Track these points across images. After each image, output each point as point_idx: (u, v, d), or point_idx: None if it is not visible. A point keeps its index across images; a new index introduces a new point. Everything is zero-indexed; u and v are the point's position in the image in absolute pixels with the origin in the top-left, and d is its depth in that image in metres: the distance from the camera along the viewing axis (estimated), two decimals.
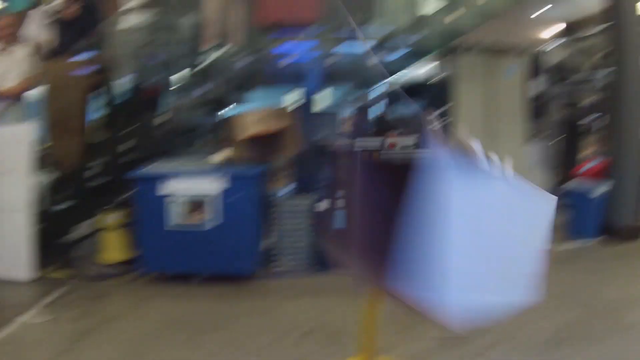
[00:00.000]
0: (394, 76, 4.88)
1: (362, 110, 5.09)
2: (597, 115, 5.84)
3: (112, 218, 3.91)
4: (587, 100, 6.76)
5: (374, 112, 5.41)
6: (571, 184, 5.00)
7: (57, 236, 3.96)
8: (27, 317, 3.02)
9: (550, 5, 6.10)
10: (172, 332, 2.85)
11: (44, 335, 2.86)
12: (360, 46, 4.10)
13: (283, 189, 4.28)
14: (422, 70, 7.73)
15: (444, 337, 2.34)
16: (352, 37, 4.10)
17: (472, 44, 6.41)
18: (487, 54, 5.72)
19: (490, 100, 5.54)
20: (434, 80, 6.03)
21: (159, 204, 3.47)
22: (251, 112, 3.61)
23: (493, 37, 6.58)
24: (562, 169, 6.86)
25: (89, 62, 4.27)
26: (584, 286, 3.30)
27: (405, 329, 2.56)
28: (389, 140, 3.75)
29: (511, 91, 5.63)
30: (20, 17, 4.19)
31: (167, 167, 3.56)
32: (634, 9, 4.55)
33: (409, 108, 4.44)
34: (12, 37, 4.16)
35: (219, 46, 3.65)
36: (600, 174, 5.09)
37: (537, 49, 6.76)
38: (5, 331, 2.82)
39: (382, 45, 3.85)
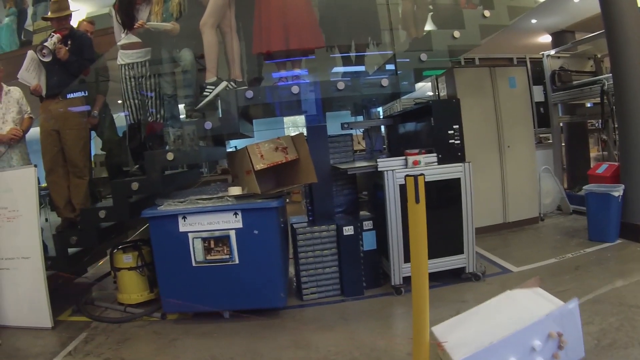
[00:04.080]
0: (399, 96, 4.83)
1: (372, 132, 5.05)
2: (602, 118, 5.82)
3: (127, 258, 3.85)
4: (591, 104, 6.74)
5: (381, 133, 5.36)
6: (587, 187, 4.94)
7: (71, 279, 3.88)
8: None
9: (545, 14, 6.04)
10: None
11: None
12: (363, 69, 4.05)
13: (303, 218, 4.19)
14: (426, 89, 7.69)
15: None
16: (354, 60, 4.06)
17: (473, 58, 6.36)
18: (488, 66, 5.68)
19: (496, 111, 5.54)
20: (438, 97, 5.98)
21: (178, 242, 3.38)
22: (262, 143, 3.53)
23: (493, 49, 6.55)
24: (572, 173, 6.88)
25: (86, 100, 4.17)
26: (615, 289, 3.24)
27: None
28: (411, 158, 3.69)
29: (515, 100, 5.62)
30: (10, 57, 4.08)
31: (183, 204, 3.44)
32: (631, 11, 4.49)
33: (417, 126, 4.39)
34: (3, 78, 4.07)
35: (221, 79, 3.59)
36: (613, 176, 5.08)
37: (538, 55, 6.72)
38: None
39: (385, 66, 3.81)
